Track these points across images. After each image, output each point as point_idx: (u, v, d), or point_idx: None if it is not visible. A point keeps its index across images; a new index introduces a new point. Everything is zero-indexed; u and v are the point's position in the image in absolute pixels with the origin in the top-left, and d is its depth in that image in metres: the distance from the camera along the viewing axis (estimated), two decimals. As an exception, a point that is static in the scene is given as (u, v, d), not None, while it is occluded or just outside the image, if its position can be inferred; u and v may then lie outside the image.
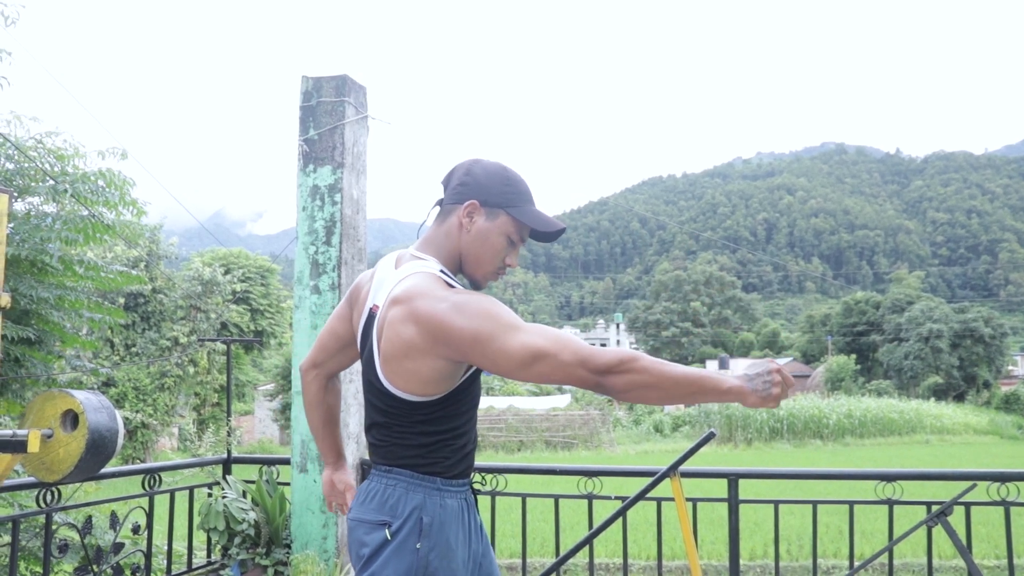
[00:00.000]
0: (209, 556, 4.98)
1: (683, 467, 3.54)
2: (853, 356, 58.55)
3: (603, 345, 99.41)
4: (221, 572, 4.78)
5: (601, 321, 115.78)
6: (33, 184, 4.74)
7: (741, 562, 4.56)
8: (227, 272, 27.46)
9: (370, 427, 2.07)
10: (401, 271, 2.01)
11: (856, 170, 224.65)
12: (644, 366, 1.78)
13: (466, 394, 2.00)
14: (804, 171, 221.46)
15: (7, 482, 3.35)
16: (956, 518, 4.06)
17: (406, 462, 1.97)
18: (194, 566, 4.77)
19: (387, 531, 1.92)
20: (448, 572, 1.97)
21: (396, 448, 1.99)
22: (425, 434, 1.96)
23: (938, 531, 4.09)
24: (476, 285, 2.10)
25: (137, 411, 22.93)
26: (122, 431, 3.03)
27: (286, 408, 31.64)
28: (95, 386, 21.12)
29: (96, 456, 2.92)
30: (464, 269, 2.08)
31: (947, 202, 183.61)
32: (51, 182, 4.71)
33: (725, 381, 1.84)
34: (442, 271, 2.02)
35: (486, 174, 2.05)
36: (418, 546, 1.91)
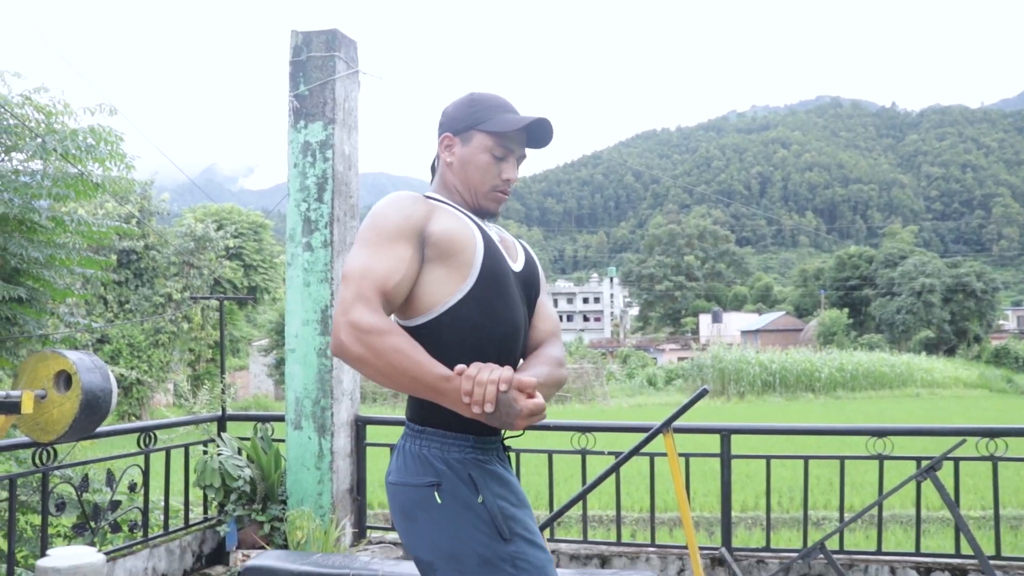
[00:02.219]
0: (206, 512, 5.02)
1: (676, 423, 3.56)
2: (846, 310, 58.77)
3: (597, 299, 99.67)
4: (218, 528, 4.82)
5: (595, 275, 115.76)
6: (20, 141, 4.68)
7: (732, 513, 4.62)
8: (219, 228, 27.33)
9: None
10: None
11: (851, 124, 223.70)
12: (392, 344, 1.75)
13: (458, 332, 1.91)
14: (799, 124, 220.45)
15: (2, 442, 3.36)
16: (945, 472, 4.11)
17: (438, 420, 1.91)
18: (191, 522, 4.81)
19: (436, 493, 1.87)
20: (522, 508, 1.94)
21: (429, 403, 1.88)
22: None
23: (927, 483, 4.14)
24: (485, 210, 2.08)
25: (132, 367, 22.98)
26: (115, 391, 3.03)
27: (280, 363, 31.74)
28: (89, 343, 21.15)
29: (90, 416, 2.91)
30: (465, 200, 2.07)
31: (942, 156, 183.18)
32: (39, 140, 4.65)
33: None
34: (427, 196, 2.05)
35: (454, 106, 2.09)
36: (480, 499, 1.87)
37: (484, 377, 1.67)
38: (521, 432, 1.85)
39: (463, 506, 1.86)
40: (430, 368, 1.75)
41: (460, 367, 1.72)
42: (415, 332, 1.91)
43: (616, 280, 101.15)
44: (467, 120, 2.04)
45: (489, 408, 1.66)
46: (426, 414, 1.94)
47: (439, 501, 1.87)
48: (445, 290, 1.91)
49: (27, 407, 2.73)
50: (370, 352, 1.75)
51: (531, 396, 1.70)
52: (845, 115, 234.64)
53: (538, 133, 2.07)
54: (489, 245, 1.99)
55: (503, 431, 1.99)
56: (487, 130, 2.02)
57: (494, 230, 2.12)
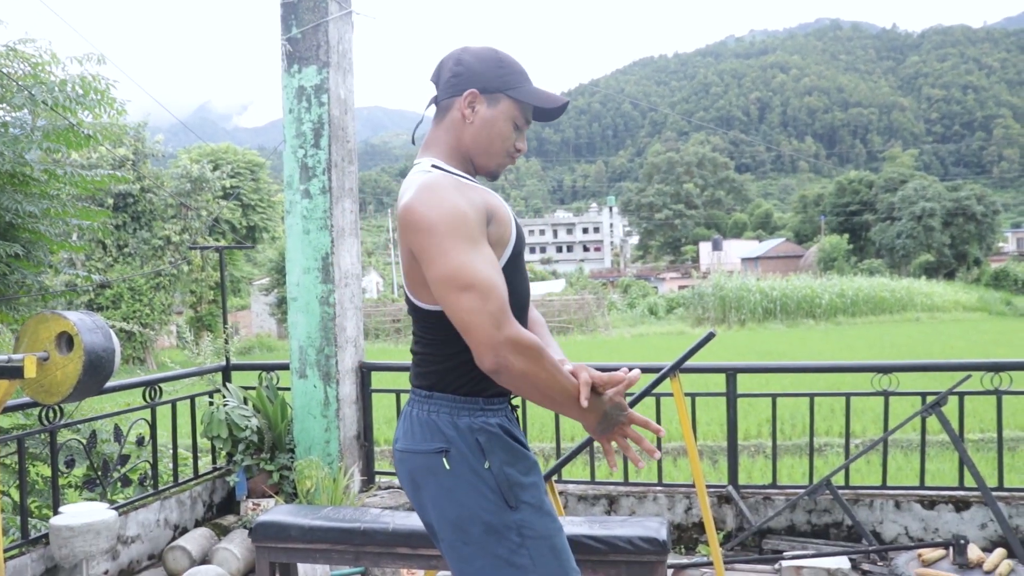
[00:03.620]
0: (215, 462, 5.05)
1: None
2: (846, 236, 58.71)
3: (596, 229, 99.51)
4: (227, 478, 4.86)
5: (594, 204, 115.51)
6: (8, 93, 4.58)
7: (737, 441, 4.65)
8: (216, 168, 27.12)
9: (413, 349, 2.01)
10: (406, 184, 1.94)
11: (851, 46, 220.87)
12: (551, 360, 1.73)
13: None
14: (798, 48, 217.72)
15: (8, 403, 3.35)
16: (949, 407, 4.12)
17: (446, 385, 1.90)
18: (200, 472, 4.85)
19: (444, 459, 1.85)
20: (530, 476, 1.91)
21: (436, 369, 1.91)
22: (460, 351, 1.85)
23: (931, 416, 4.16)
24: (492, 175, 2.01)
25: (133, 315, 23.02)
26: (118, 350, 3.01)
27: (282, 302, 31.82)
28: (90, 289, 21.16)
29: (94, 377, 2.89)
30: (475, 162, 1.98)
31: (943, 78, 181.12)
32: (26, 91, 4.55)
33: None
34: (434, 165, 1.94)
35: (478, 60, 1.95)
36: (487, 465, 1.84)
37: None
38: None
39: (471, 472, 1.84)
40: (571, 381, 1.76)
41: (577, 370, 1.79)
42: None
43: (615, 209, 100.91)
44: (496, 81, 1.93)
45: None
46: (435, 379, 1.92)
47: (447, 467, 1.85)
48: None
49: (30, 371, 2.71)
50: (534, 367, 1.69)
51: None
52: (845, 38, 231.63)
53: (555, 116, 2.02)
54: (516, 222, 1.95)
55: (511, 392, 1.96)
56: (518, 98, 1.93)
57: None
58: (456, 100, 1.95)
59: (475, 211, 1.80)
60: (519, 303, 1.94)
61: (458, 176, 1.93)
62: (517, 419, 2.06)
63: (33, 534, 3.70)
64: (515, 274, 1.92)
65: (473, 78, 1.93)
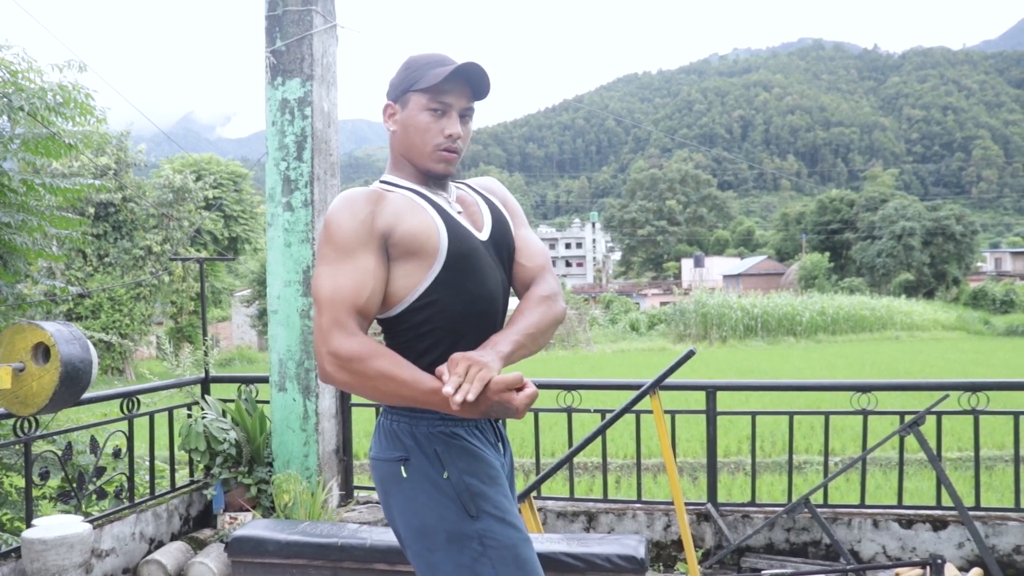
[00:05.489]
0: (192, 475, 5.00)
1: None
2: (827, 254, 59.02)
3: (579, 245, 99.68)
4: (204, 491, 4.81)
5: (577, 220, 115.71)
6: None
7: (716, 459, 4.65)
8: (198, 179, 27.00)
9: None
10: None
11: (833, 66, 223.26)
12: (377, 369, 1.76)
13: (430, 316, 1.90)
14: (781, 67, 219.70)
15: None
16: (927, 426, 4.14)
17: None
18: (177, 485, 4.80)
19: (402, 468, 1.89)
20: (493, 486, 1.90)
21: None
22: (413, 360, 1.85)
23: (910, 436, 4.18)
24: (438, 176, 2.01)
25: (114, 323, 22.82)
26: (95, 362, 2.98)
27: (263, 314, 31.67)
28: (69, 298, 20.95)
29: (70, 388, 2.87)
30: (414, 165, 2.01)
31: (923, 99, 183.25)
32: (5, 98, 4.52)
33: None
34: (382, 181, 2.03)
35: (393, 75, 2.04)
36: (445, 475, 1.86)
37: (473, 374, 1.67)
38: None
39: (429, 482, 1.87)
40: (417, 386, 1.76)
41: (441, 373, 1.73)
42: (389, 323, 1.93)
43: (598, 225, 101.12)
44: (402, 85, 1.99)
45: (471, 398, 1.64)
46: None
47: (405, 476, 1.88)
48: (412, 281, 1.90)
49: (4, 382, 2.68)
50: (356, 379, 1.78)
51: (521, 388, 1.71)
52: (827, 57, 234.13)
53: (475, 82, 1.98)
54: (452, 228, 1.94)
55: None
56: (419, 88, 1.96)
57: (453, 194, 2.06)
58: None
59: (357, 226, 1.86)
60: (472, 307, 1.95)
61: (389, 187, 2.00)
62: (492, 428, 2.05)
63: (4, 548, 3.64)
64: (462, 279, 1.93)
65: (389, 92, 2.04)
